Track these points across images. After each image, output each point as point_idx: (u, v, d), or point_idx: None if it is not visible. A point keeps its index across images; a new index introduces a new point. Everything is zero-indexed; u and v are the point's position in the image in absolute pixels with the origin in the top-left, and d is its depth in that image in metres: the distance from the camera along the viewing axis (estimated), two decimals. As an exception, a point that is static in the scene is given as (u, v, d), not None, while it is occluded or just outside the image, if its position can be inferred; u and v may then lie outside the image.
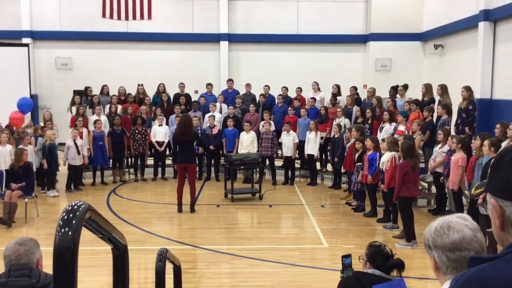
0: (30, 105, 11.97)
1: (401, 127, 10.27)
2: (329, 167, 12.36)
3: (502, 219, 1.28)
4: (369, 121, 11.34)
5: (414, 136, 9.76)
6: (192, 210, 9.52)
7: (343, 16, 18.06)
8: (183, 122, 9.49)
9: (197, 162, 10.55)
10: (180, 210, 9.48)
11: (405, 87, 12.21)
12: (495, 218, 1.30)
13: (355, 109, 12.01)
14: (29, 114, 11.99)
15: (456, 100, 10.52)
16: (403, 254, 6.48)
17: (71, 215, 1.32)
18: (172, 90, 14.14)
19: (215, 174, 12.69)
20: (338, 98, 13.14)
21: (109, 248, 1.98)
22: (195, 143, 10.04)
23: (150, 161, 12.90)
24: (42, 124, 12.15)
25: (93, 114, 12.62)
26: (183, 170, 9.52)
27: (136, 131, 12.28)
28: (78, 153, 11.10)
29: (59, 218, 1.32)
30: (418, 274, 6.29)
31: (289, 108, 12.69)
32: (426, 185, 10.62)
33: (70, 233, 1.27)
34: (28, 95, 14.34)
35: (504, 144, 7.52)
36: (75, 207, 1.36)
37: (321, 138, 12.00)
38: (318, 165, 12.58)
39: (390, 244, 6.86)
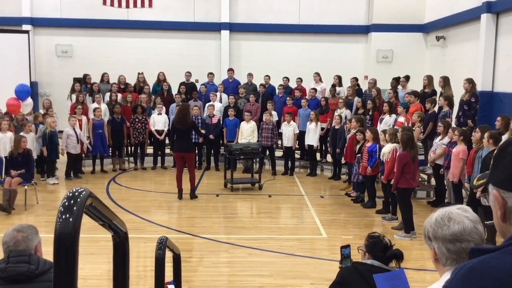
0: (28, 92, 11.92)
1: (401, 119, 10.25)
2: (329, 158, 12.36)
3: (503, 210, 1.28)
4: (370, 112, 11.31)
5: (414, 128, 9.75)
6: (193, 196, 9.58)
7: (345, 6, 17.95)
8: (180, 111, 9.63)
9: (194, 151, 10.59)
10: (180, 197, 9.55)
11: (407, 78, 12.18)
12: (497, 209, 1.29)
13: (356, 100, 11.98)
14: (30, 100, 11.91)
15: (458, 92, 10.49)
16: (401, 245, 6.50)
17: (72, 201, 1.31)
18: (172, 79, 14.10)
19: (214, 164, 12.69)
20: (338, 89, 13.11)
21: (108, 235, 1.97)
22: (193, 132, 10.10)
23: (149, 149, 12.90)
24: (42, 111, 12.13)
25: (93, 102, 12.59)
26: (180, 158, 9.63)
27: (136, 120, 12.25)
28: (77, 141, 11.11)
29: (60, 205, 1.31)
30: (417, 265, 6.31)
31: (288, 98, 12.65)
32: (425, 177, 10.63)
33: (71, 219, 1.27)
34: (28, 82, 14.29)
35: (505, 137, 7.51)
36: (76, 193, 1.35)
37: (322, 129, 11.99)
38: (318, 156, 12.58)
39: (389, 235, 6.86)
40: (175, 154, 9.89)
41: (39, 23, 17.73)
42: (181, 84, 13.73)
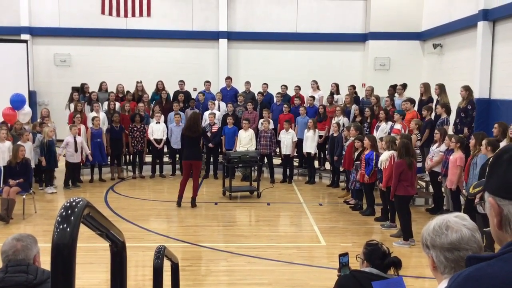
0: (23, 101, 11.89)
1: (398, 126, 10.27)
2: (327, 165, 12.37)
3: (500, 217, 1.28)
4: (368, 120, 11.33)
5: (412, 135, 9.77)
6: (193, 204, 9.58)
7: (343, 14, 18.05)
8: (191, 119, 9.79)
9: (202, 159, 10.64)
10: (179, 204, 9.54)
11: (404, 86, 12.21)
12: (493, 217, 1.30)
13: (354, 108, 12.00)
14: (29, 109, 11.88)
15: (455, 99, 10.52)
16: (400, 253, 6.49)
17: (69, 211, 1.32)
18: (170, 88, 14.12)
19: (213, 172, 12.69)
20: (336, 97, 13.16)
21: (106, 245, 1.97)
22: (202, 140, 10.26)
23: (148, 158, 12.90)
24: (40, 120, 12.13)
25: (91, 111, 12.60)
26: (188, 166, 9.64)
27: (135, 128, 12.26)
28: (76, 150, 11.09)
29: (58, 215, 1.32)
30: (415, 273, 6.30)
31: (285, 106, 12.67)
32: (424, 184, 10.63)
33: (68, 229, 1.27)
34: (27, 92, 14.29)
35: (502, 144, 7.53)
36: (74, 203, 1.36)
37: (320, 136, 12.01)
38: (316, 163, 12.59)
39: (387, 243, 6.86)
40: (183, 162, 9.97)
41: (37, 32, 17.79)
42: (178, 92, 13.72)
